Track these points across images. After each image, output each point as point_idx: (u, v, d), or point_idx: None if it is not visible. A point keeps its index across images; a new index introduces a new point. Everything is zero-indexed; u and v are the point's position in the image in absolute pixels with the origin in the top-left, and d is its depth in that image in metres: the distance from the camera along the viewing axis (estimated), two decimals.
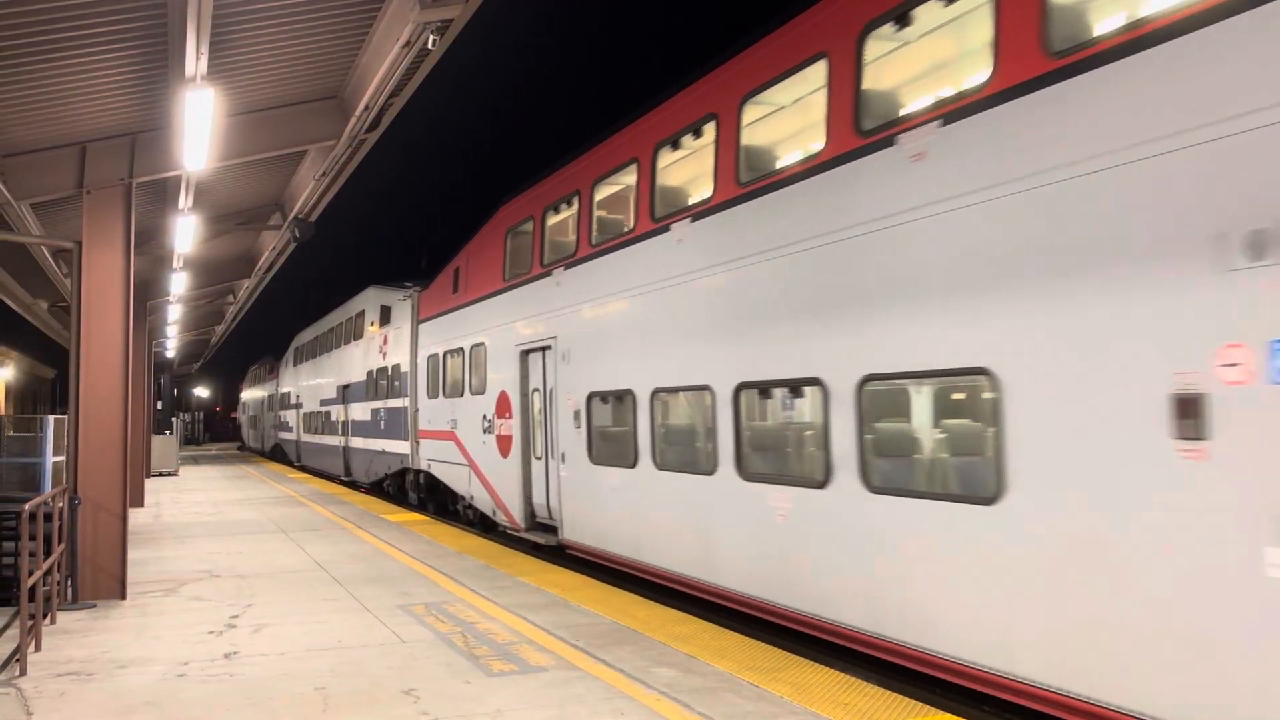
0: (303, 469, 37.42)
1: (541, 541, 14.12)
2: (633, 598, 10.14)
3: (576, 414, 12.75)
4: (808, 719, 6.11)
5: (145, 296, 22.81)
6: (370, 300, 26.53)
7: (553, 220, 14.13)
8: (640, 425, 11.12)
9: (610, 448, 12.13)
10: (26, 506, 8.15)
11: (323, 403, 33.66)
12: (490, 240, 16.67)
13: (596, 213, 12.57)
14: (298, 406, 39.49)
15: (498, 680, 7.09)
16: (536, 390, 14.33)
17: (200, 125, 9.59)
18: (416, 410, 21.22)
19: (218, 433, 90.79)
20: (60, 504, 9.73)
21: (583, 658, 7.68)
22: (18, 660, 7.57)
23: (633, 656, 7.67)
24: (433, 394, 19.85)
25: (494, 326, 15.95)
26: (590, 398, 12.39)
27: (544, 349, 13.92)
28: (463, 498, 18.31)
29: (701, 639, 8.23)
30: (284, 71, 10.70)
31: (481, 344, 16.61)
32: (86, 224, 10.86)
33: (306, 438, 37.27)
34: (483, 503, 16.87)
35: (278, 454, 46.28)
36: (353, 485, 28.42)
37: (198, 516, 19.09)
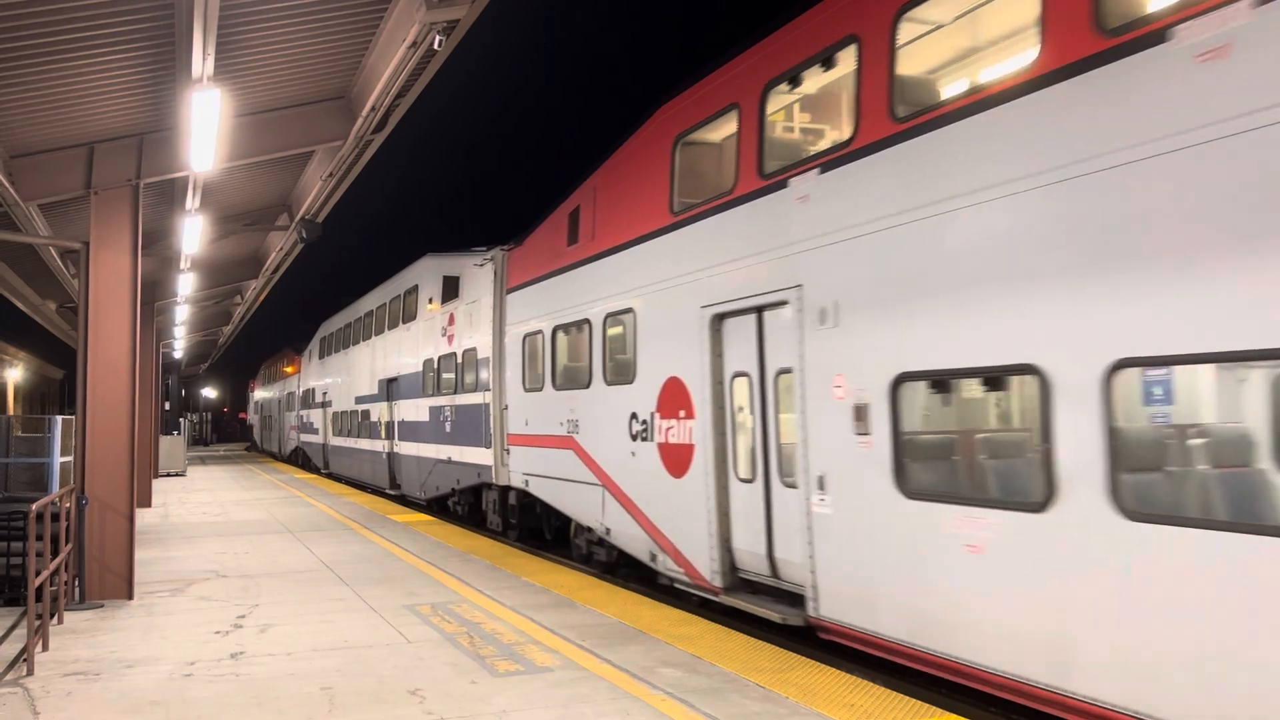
0: (331, 476, 33.24)
1: (776, 618, 8.87)
2: (637, 598, 10.14)
3: (860, 410, 8.01)
4: None
5: (153, 297, 22.95)
6: (427, 273, 21.41)
7: (782, 101, 9.56)
8: (1063, 432, 6.20)
9: (956, 471, 7.48)
10: (34, 506, 8.20)
11: (359, 400, 28.47)
12: (642, 159, 11.76)
13: (897, 68, 7.75)
14: (325, 405, 34.39)
15: (503, 680, 7.10)
16: (742, 375, 9.79)
17: (207, 126, 9.63)
18: (504, 408, 16.46)
19: (226, 434, 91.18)
20: (68, 504, 9.77)
21: (588, 658, 7.68)
22: (25, 660, 7.60)
23: (638, 657, 7.67)
24: (533, 386, 15.12)
25: (652, 283, 11.40)
26: (897, 383, 7.61)
27: (765, 308, 9.34)
28: (588, 529, 13.46)
29: (706, 640, 8.23)
30: (291, 72, 10.73)
31: (628, 310, 11.92)
32: (94, 225, 10.91)
33: (336, 441, 32.30)
34: (629, 540, 11.99)
35: (299, 459, 41.13)
36: (402, 500, 23.94)
37: (205, 517, 19.14)
